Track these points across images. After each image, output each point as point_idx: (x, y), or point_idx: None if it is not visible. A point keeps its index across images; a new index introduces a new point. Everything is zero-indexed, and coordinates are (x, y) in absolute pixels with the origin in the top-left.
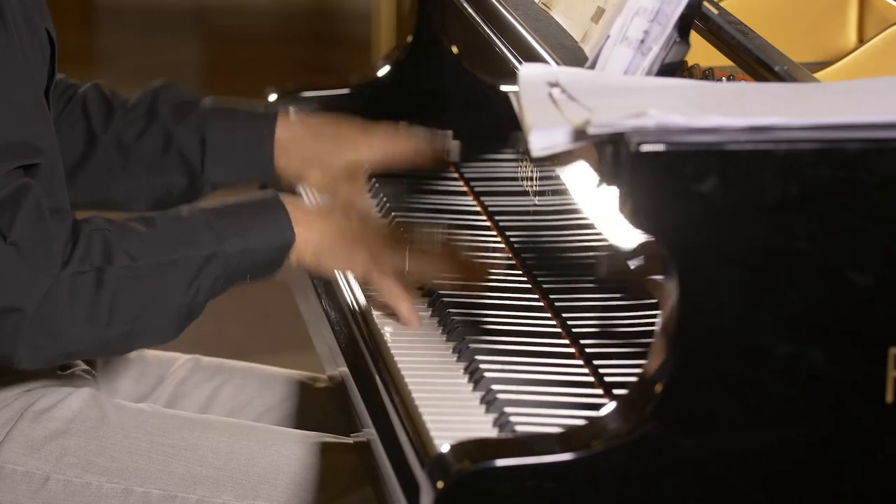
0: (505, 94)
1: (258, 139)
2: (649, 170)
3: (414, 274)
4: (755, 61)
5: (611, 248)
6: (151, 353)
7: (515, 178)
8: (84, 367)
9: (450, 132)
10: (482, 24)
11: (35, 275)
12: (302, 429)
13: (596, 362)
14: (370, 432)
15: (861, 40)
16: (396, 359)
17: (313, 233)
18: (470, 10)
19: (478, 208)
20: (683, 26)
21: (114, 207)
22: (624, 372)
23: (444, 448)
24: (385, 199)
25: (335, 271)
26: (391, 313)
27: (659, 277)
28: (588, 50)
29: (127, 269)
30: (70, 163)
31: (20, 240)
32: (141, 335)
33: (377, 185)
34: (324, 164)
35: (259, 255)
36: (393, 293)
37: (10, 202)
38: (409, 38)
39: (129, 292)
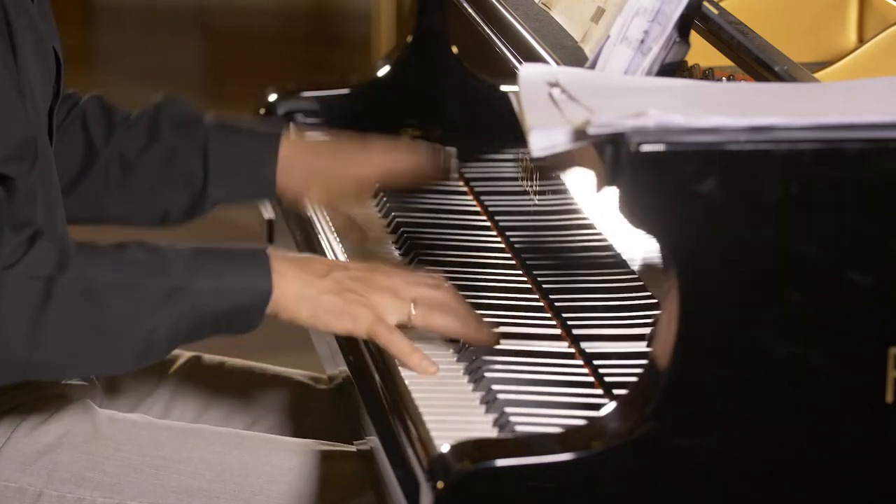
0: (505, 94)
1: (261, 158)
2: (649, 170)
3: (419, 327)
4: (755, 61)
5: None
6: None
7: (515, 178)
8: None
9: (453, 149)
10: (482, 24)
11: None
12: (302, 431)
13: (596, 362)
14: (372, 439)
15: (861, 40)
16: (396, 359)
17: (310, 289)
18: (470, 10)
19: (478, 208)
20: (683, 26)
21: (110, 223)
22: (624, 372)
23: (444, 448)
24: (385, 199)
25: (335, 331)
26: None
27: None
28: (588, 50)
29: (80, 283)
30: (67, 177)
31: None
32: (88, 361)
33: (377, 185)
34: (324, 181)
35: (230, 299)
36: (400, 349)
37: None
38: (409, 38)
39: (80, 310)
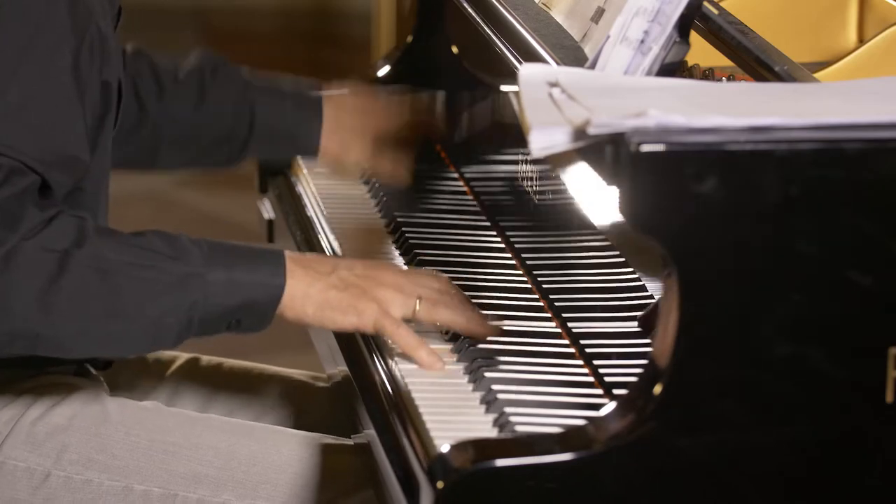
0: (505, 94)
1: (306, 125)
2: (649, 170)
3: (423, 321)
4: (755, 61)
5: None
6: (151, 353)
7: (515, 178)
8: (93, 372)
9: (441, 93)
10: (482, 24)
11: None
12: (302, 427)
13: (596, 362)
14: (370, 434)
15: (861, 40)
16: (396, 359)
17: (314, 287)
18: (470, 10)
19: (478, 208)
20: (683, 26)
21: (155, 170)
22: (624, 372)
23: (444, 448)
24: (385, 198)
25: (342, 327)
26: None
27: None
28: (588, 50)
29: (94, 260)
30: (119, 133)
31: None
32: (96, 340)
33: (377, 184)
34: (359, 139)
35: (243, 293)
36: (408, 342)
37: None
38: (409, 38)
39: (92, 287)
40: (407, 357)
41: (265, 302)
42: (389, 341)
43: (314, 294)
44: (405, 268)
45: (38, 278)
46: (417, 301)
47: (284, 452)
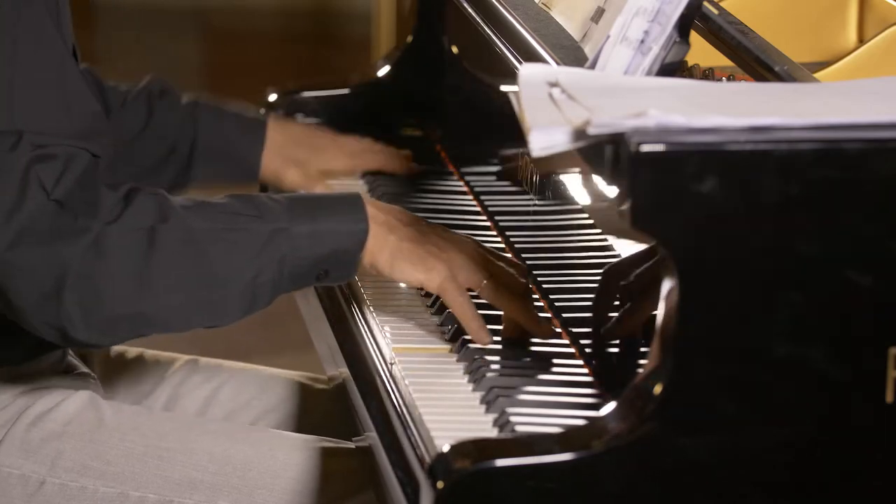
0: (505, 94)
1: (248, 146)
2: (649, 170)
3: (485, 298)
4: (755, 61)
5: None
6: (150, 354)
7: (515, 178)
8: (83, 369)
9: (408, 152)
10: (482, 24)
11: (78, 227)
12: (302, 431)
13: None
14: (371, 436)
15: (861, 40)
16: (397, 359)
17: (393, 235)
18: (470, 10)
19: (478, 208)
20: (683, 26)
21: None
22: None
23: (444, 448)
24: (385, 198)
25: (409, 280)
26: (390, 312)
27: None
28: (588, 50)
29: (182, 232)
30: None
31: (64, 196)
32: (197, 310)
33: (377, 184)
34: (301, 167)
35: (329, 243)
36: (464, 311)
37: (58, 161)
38: (409, 38)
39: (185, 258)
40: (407, 356)
41: (351, 249)
42: (447, 305)
43: (392, 242)
44: (486, 246)
45: (132, 259)
46: (487, 278)
47: (280, 457)
